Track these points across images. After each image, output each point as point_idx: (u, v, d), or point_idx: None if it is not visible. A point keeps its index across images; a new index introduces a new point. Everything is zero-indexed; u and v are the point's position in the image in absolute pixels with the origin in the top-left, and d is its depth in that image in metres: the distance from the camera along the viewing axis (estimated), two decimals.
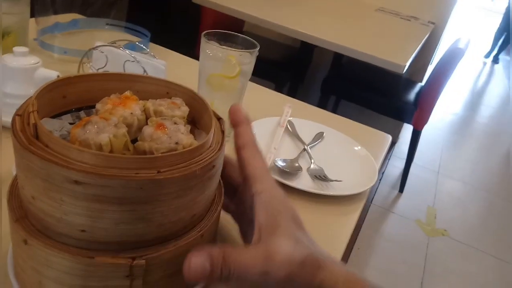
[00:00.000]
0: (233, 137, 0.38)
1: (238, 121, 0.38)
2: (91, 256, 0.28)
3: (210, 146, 0.32)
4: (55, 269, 0.28)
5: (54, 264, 0.28)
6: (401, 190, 2.26)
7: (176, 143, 0.31)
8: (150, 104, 0.36)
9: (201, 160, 0.30)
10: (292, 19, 1.69)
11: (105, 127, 0.31)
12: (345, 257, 0.53)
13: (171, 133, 0.32)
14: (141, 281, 0.29)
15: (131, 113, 0.34)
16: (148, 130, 0.32)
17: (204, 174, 0.30)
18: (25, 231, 0.29)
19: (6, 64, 0.54)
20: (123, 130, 0.31)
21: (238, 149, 0.37)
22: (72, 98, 0.36)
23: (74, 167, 0.25)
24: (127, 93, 0.36)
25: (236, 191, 0.39)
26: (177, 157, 0.28)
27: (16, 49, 0.55)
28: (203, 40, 0.61)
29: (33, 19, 0.79)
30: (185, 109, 0.36)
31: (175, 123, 0.33)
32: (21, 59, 0.55)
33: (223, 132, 0.35)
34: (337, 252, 0.50)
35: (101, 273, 0.28)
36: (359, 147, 0.70)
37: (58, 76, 0.56)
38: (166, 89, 0.38)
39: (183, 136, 0.32)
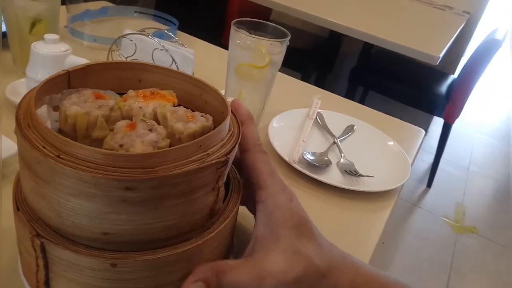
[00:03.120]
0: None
1: (240, 120, 0.34)
2: (17, 208, 0.29)
3: (134, 167, 0.26)
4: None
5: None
6: (429, 185, 2.20)
7: (121, 145, 0.29)
8: (164, 109, 0.34)
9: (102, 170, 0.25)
10: (321, 8, 1.65)
11: (86, 103, 0.31)
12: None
13: (130, 136, 0.30)
14: (42, 262, 0.28)
15: (140, 107, 0.33)
16: (119, 124, 0.31)
17: (99, 186, 0.25)
18: None
19: (37, 51, 0.54)
20: (99, 113, 0.31)
21: (241, 152, 0.34)
22: (147, 84, 0.37)
23: (21, 125, 0.28)
24: (168, 92, 0.35)
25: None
26: (79, 150, 0.25)
27: (47, 36, 0.55)
28: (232, 29, 0.60)
29: (63, 6, 0.79)
30: (190, 126, 0.32)
31: (150, 130, 0.30)
32: (52, 46, 0.55)
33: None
34: (367, 250, 0.48)
35: (19, 226, 0.29)
36: (392, 142, 0.67)
37: None
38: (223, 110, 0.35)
39: (138, 144, 0.29)
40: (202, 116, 0.34)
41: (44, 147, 0.26)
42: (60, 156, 0.25)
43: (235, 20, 0.60)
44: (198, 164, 0.27)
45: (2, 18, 0.63)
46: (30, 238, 0.28)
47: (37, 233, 0.28)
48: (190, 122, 0.32)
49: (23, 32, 0.61)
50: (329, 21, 1.53)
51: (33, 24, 0.61)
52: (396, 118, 0.81)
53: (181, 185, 0.27)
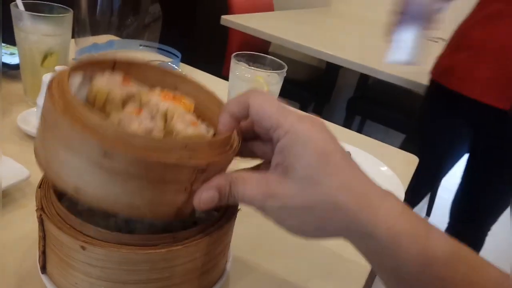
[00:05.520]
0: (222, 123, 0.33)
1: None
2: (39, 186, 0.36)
3: (118, 139, 0.29)
4: None
5: None
6: (428, 214, 2.20)
7: (119, 121, 0.33)
8: (175, 109, 0.36)
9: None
10: (318, 40, 1.71)
11: (113, 83, 0.35)
12: (368, 282, 0.53)
13: (132, 118, 0.33)
14: (41, 234, 0.34)
15: (157, 104, 0.36)
16: (129, 106, 0.35)
17: (84, 144, 0.29)
18: None
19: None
20: (118, 93, 0.35)
21: (238, 118, 0.33)
22: (181, 92, 0.40)
23: (51, 80, 0.31)
24: (188, 100, 0.38)
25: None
26: (81, 110, 0.29)
27: (58, 68, 0.58)
28: (233, 61, 0.63)
29: (72, 39, 0.83)
30: (188, 130, 0.35)
31: (152, 117, 0.34)
32: None
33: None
34: (361, 276, 0.50)
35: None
36: (385, 168, 0.70)
37: None
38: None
39: (134, 125, 0.32)
40: (206, 127, 0.36)
41: (57, 99, 0.30)
42: (65, 110, 0.29)
43: (235, 53, 0.64)
44: (176, 160, 0.29)
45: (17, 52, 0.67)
46: (36, 211, 0.34)
47: (42, 207, 0.33)
48: (191, 126, 0.35)
49: (35, 64, 0.65)
50: (324, 53, 1.59)
51: (45, 57, 0.65)
52: (391, 146, 0.84)
53: (154, 171, 0.29)
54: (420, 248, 0.28)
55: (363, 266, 0.50)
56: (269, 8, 2.33)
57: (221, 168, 0.34)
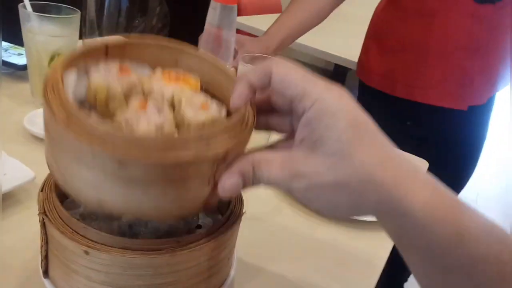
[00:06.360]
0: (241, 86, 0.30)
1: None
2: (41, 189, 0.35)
3: (129, 146, 0.27)
4: None
5: None
6: None
7: (126, 122, 0.31)
8: (182, 94, 0.34)
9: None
10: (326, 42, 1.70)
11: (110, 76, 0.33)
12: (378, 286, 0.52)
13: (139, 116, 0.31)
14: (44, 237, 0.34)
15: (161, 90, 0.34)
16: (132, 101, 0.32)
17: (95, 157, 0.27)
18: None
19: None
20: (118, 88, 0.32)
21: (261, 85, 0.30)
22: (183, 66, 0.37)
23: (46, 88, 0.29)
24: (193, 77, 0.36)
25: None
26: (86, 121, 0.28)
27: None
28: (240, 64, 0.63)
29: (80, 40, 0.83)
30: (200, 116, 0.32)
31: (159, 109, 0.32)
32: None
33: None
34: (372, 279, 0.49)
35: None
36: None
37: None
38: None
39: (142, 126, 0.30)
40: (218, 104, 0.34)
41: (57, 109, 0.28)
42: (67, 121, 0.27)
43: (243, 55, 0.63)
44: (193, 155, 0.27)
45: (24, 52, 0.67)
46: (38, 214, 0.33)
47: (44, 211, 0.33)
48: (202, 111, 0.33)
49: (42, 65, 0.65)
50: (333, 55, 1.58)
51: (52, 58, 0.65)
52: (399, 150, 0.82)
53: (173, 172, 0.28)
54: (455, 224, 0.27)
55: (372, 270, 0.50)
56: (277, 9, 2.32)
57: (241, 150, 0.32)
